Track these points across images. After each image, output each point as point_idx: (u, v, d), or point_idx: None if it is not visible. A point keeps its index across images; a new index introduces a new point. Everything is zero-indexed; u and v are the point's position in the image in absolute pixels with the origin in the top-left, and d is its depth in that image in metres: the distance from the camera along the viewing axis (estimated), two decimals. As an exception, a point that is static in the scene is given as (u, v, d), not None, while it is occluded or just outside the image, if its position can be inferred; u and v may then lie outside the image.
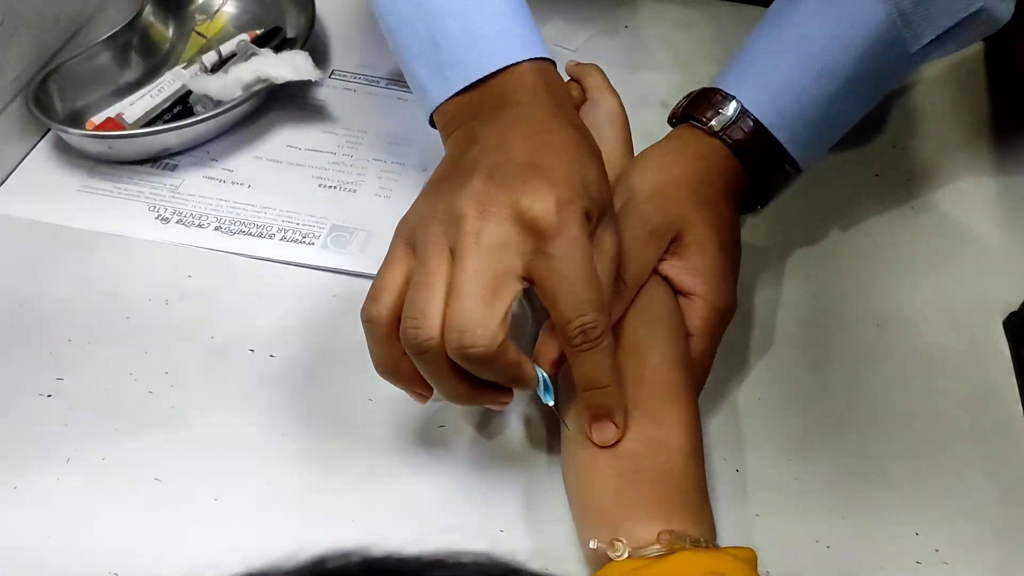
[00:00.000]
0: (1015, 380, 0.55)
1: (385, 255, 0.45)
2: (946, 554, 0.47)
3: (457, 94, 0.48)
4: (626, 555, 0.41)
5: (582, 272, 0.41)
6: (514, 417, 0.52)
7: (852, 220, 0.63)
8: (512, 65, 0.47)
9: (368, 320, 0.44)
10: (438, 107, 0.49)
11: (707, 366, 0.50)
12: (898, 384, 0.54)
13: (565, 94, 0.48)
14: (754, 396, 0.53)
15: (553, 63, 0.49)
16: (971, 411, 0.53)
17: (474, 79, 0.47)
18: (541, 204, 0.41)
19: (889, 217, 0.63)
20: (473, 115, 0.47)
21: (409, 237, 0.44)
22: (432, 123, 0.51)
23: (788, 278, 0.59)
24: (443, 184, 0.44)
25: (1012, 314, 0.57)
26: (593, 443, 0.45)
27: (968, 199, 0.65)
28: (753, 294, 0.57)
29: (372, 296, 0.44)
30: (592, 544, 0.42)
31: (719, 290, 0.50)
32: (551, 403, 0.45)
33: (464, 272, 0.41)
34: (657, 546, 0.40)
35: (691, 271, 0.49)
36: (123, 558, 0.45)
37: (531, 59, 0.47)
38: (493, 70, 0.47)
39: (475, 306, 0.40)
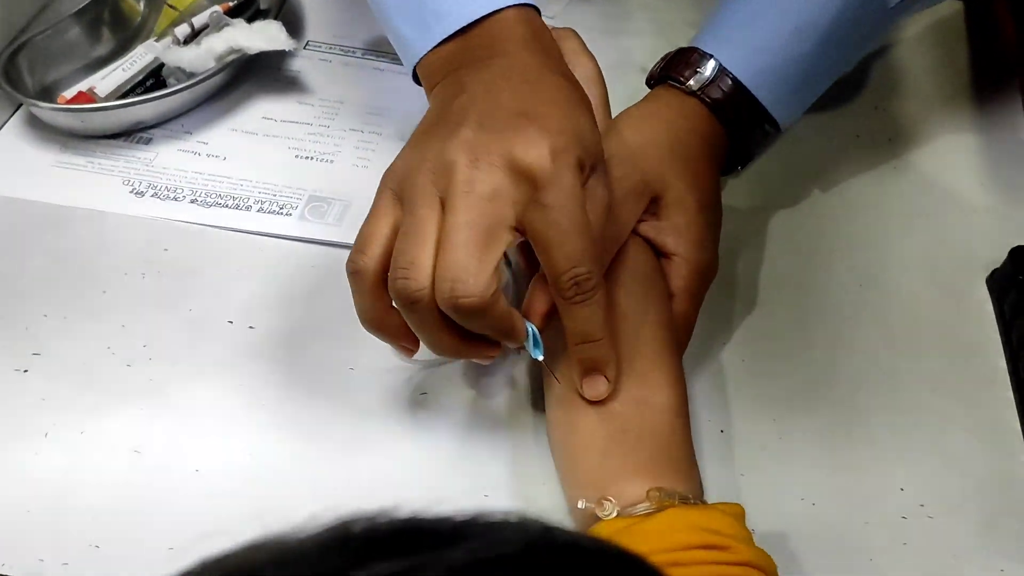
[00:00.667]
0: (998, 336, 0.55)
1: (371, 206, 0.44)
2: (931, 508, 0.47)
3: (441, 44, 0.47)
4: (615, 514, 0.41)
5: (576, 222, 0.41)
6: (498, 382, 0.51)
7: (834, 181, 0.63)
8: (496, 12, 0.46)
9: (354, 272, 0.43)
10: (422, 59, 0.48)
11: (690, 326, 0.49)
12: (882, 342, 0.54)
13: (552, 41, 0.47)
14: (738, 357, 0.53)
15: (537, 9, 0.48)
16: (955, 368, 0.53)
17: (458, 27, 0.46)
18: (536, 152, 0.40)
19: (871, 177, 0.63)
20: (459, 65, 0.46)
21: (396, 187, 0.43)
22: (416, 80, 0.50)
23: (771, 239, 0.59)
24: (431, 133, 0.43)
25: (995, 271, 0.57)
26: (584, 398, 0.44)
27: (950, 158, 0.64)
28: (736, 256, 0.57)
29: (358, 247, 0.43)
30: (580, 504, 0.42)
31: (700, 250, 0.49)
32: (540, 357, 0.44)
33: (456, 222, 0.40)
34: (646, 504, 0.40)
35: (671, 231, 0.49)
36: (104, 530, 0.45)
37: (515, 5, 0.46)
38: (477, 17, 0.46)
39: (467, 256, 0.40)
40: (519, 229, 0.41)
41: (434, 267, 0.40)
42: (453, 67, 0.46)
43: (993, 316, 0.56)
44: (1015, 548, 0.46)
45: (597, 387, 0.44)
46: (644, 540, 0.39)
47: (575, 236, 0.41)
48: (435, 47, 0.47)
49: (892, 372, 0.53)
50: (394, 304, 0.43)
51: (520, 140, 0.41)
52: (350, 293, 0.44)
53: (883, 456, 0.49)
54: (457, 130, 0.42)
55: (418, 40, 0.48)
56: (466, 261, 0.40)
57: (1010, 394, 0.52)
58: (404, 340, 0.45)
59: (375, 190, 0.45)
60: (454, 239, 0.40)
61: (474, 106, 0.43)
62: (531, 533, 0.22)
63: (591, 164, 0.43)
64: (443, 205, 0.41)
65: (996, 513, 0.47)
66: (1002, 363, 0.53)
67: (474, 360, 0.47)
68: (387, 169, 0.44)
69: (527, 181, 0.41)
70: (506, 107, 0.42)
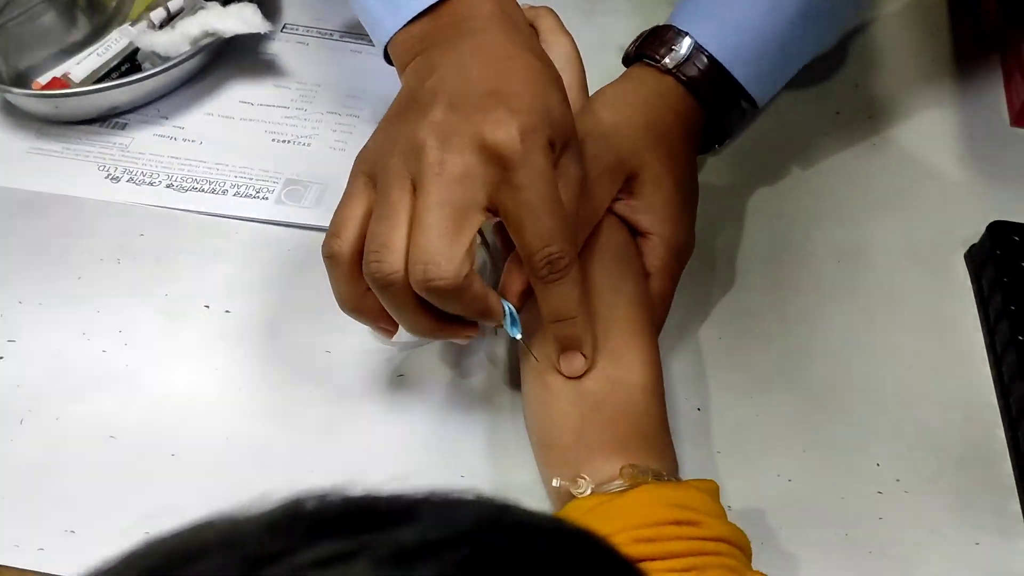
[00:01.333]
0: (976, 311, 0.55)
1: (345, 190, 0.44)
2: (907, 483, 0.47)
3: (411, 22, 0.46)
4: (589, 491, 0.41)
5: (547, 202, 0.41)
6: (476, 363, 0.51)
7: (813, 158, 0.62)
8: None
9: (329, 256, 0.43)
10: (392, 38, 0.47)
11: (666, 305, 0.49)
12: (860, 319, 0.54)
13: (523, 20, 0.47)
14: (715, 335, 0.53)
15: None
16: (933, 343, 0.53)
17: (428, 4, 0.46)
18: (504, 133, 0.40)
19: (851, 154, 0.63)
20: (429, 44, 0.45)
21: (368, 171, 0.43)
22: (388, 60, 0.50)
23: (749, 217, 0.59)
24: (402, 115, 0.43)
25: (973, 247, 0.57)
26: (562, 375, 0.44)
27: (929, 135, 0.64)
28: (714, 233, 0.57)
29: (333, 231, 0.43)
30: (555, 482, 0.42)
31: (676, 228, 0.49)
32: (518, 336, 0.44)
33: (427, 204, 0.40)
34: (619, 481, 0.40)
35: (647, 210, 0.49)
36: (80, 516, 0.45)
37: None
38: None
39: (439, 238, 0.40)
40: (491, 210, 0.41)
41: (407, 249, 0.40)
42: (424, 46, 0.46)
43: (971, 292, 0.56)
44: (990, 521, 0.46)
45: (574, 364, 0.44)
46: (617, 516, 0.39)
47: (547, 215, 0.41)
48: (405, 25, 0.46)
49: (869, 348, 0.53)
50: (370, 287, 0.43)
51: (490, 120, 0.41)
52: (327, 276, 0.44)
53: (859, 432, 0.49)
54: (427, 112, 0.41)
55: (388, 19, 0.47)
56: (438, 243, 0.40)
57: (987, 369, 0.52)
58: (382, 322, 0.45)
59: None
60: (425, 221, 0.40)
61: (444, 87, 0.42)
62: (484, 511, 0.22)
63: (562, 143, 0.43)
64: (415, 187, 0.41)
65: (972, 487, 0.48)
66: (979, 338, 0.53)
67: (452, 340, 0.47)
68: (359, 152, 0.44)
69: (497, 161, 0.40)
70: (476, 87, 0.42)
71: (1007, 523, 0.46)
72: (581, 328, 0.43)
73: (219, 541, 0.20)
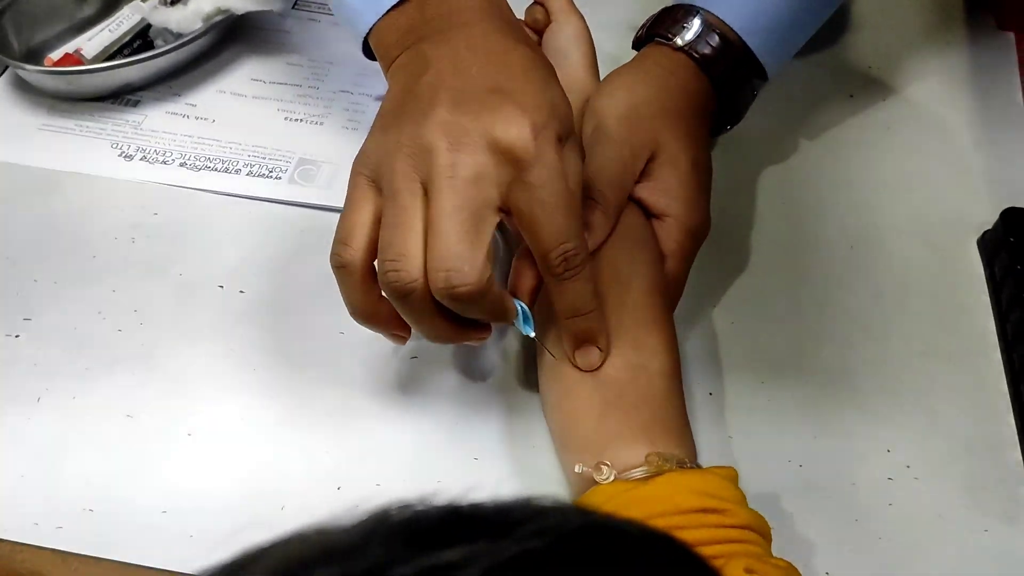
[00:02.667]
0: (988, 298, 0.55)
1: (347, 194, 0.43)
2: (917, 470, 0.48)
3: (392, 10, 0.45)
4: (612, 478, 0.41)
5: (562, 200, 0.40)
6: (489, 344, 0.52)
7: (827, 142, 0.62)
8: None
9: (340, 266, 0.42)
10: (373, 29, 0.46)
11: (681, 287, 0.49)
12: (872, 305, 0.54)
13: (510, 11, 0.46)
14: (728, 320, 0.53)
15: None
16: (945, 330, 0.53)
17: None
18: (517, 131, 0.40)
19: (864, 138, 0.63)
20: (418, 38, 0.44)
21: (371, 174, 0.42)
22: (367, 53, 0.49)
23: (762, 200, 0.59)
24: (402, 114, 0.42)
25: (986, 233, 0.57)
26: (578, 368, 0.44)
27: (943, 119, 0.64)
28: (727, 218, 0.57)
29: (341, 240, 0.42)
30: (577, 468, 0.42)
31: (693, 210, 0.49)
32: (532, 334, 0.44)
33: (443, 209, 0.39)
34: (643, 468, 0.41)
35: (664, 192, 0.49)
36: (97, 494, 0.45)
37: None
38: None
39: (458, 244, 0.39)
40: (503, 209, 0.41)
41: (425, 257, 0.40)
42: (411, 40, 0.45)
43: (983, 278, 0.56)
44: (1000, 509, 0.47)
45: (590, 357, 0.44)
46: (643, 504, 0.39)
47: (562, 213, 0.40)
48: (386, 14, 0.45)
49: (882, 334, 0.53)
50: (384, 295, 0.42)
51: (500, 119, 0.40)
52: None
53: (870, 418, 0.50)
54: (430, 111, 0.40)
55: (369, 9, 0.46)
56: (458, 249, 0.39)
57: (999, 356, 0.52)
58: (396, 329, 0.44)
59: None
60: (443, 227, 0.39)
61: (443, 84, 0.41)
62: (572, 518, 0.22)
63: (566, 135, 0.42)
64: (425, 191, 0.40)
65: (982, 474, 0.48)
66: (991, 325, 0.54)
67: (467, 344, 0.47)
68: (358, 153, 0.43)
69: (510, 160, 0.40)
70: (478, 84, 0.41)
71: (1016, 510, 0.47)
72: (596, 321, 0.43)
73: (319, 555, 0.20)
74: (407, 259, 0.40)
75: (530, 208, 0.40)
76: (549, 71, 0.44)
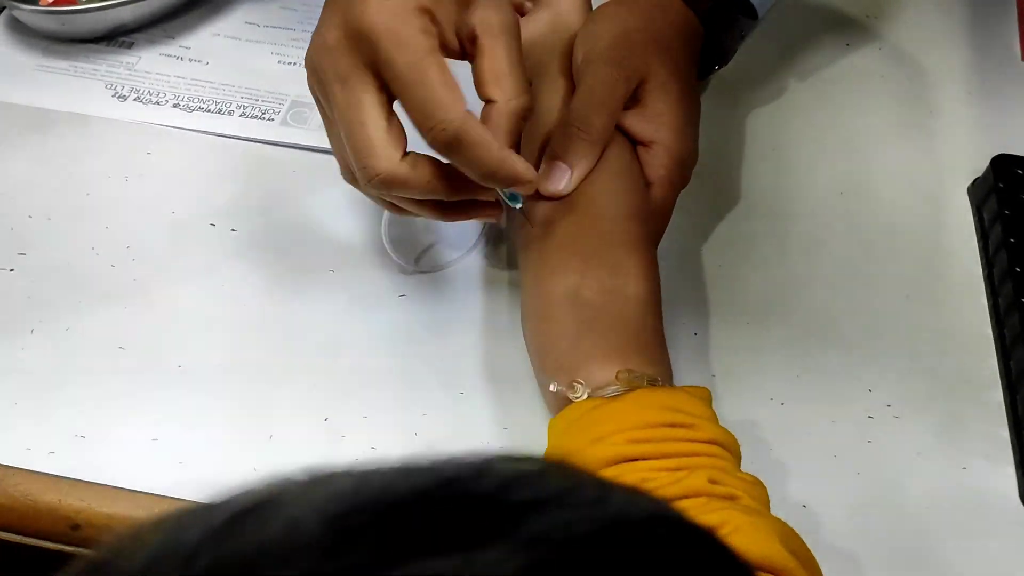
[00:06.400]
0: (976, 244, 0.55)
1: (341, 103, 0.42)
2: (898, 409, 0.48)
3: None
4: (585, 396, 0.41)
5: (418, 77, 0.40)
6: (472, 281, 0.52)
7: (821, 89, 0.62)
8: None
9: (376, 176, 0.42)
10: None
11: (667, 215, 0.49)
12: (859, 249, 0.55)
13: None
14: (715, 263, 0.54)
15: None
16: (931, 273, 0.54)
17: None
18: (367, 16, 0.40)
19: (859, 86, 0.63)
20: None
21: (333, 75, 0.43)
22: None
23: (753, 145, 0.59)
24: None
25: (976, 179, 0.57)
26: (545, 197, 0.46)
27: (939, 68, 0.64)
28: (716, 161, 0.57)
29: (366, 153, 0.41)
30: (552, 387, 0.43)
31: (680, 137, 0.49)
32: (519, 207, 0.45)
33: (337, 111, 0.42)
34: (615, 385, 0.41)
35: (652, 118, 0.48)
36: (89, 421, 0.46)
37: None
38: None
39: (440, 91, 0.40)
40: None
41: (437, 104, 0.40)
42: None
43: (972, 224, 0.56)
44: (979, 447, 0.47)
45: (558, 182, 0.46)
46: (611, 419, 0.40)
47: (426, 91, 0.40)
48: None
49: (868, 278, 0.53)
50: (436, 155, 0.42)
51: (354, 4, 0.41)
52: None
53: (854, 359, 0.50)
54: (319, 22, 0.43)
55: None
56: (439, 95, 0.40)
57: (984, 300, 0.53)
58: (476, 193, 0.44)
59: None
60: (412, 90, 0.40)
61: None
62: (587, 516, 0.20)
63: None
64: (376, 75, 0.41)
65: (962, 413, 0.48)
66: (978, 270, 0.54)
67: (482, 219, 0.49)
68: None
69: (367, 43, 0.41)
70: None
71: (995, 448, 0.47)
72: (519, 164, 0.42)
73: (287, 553, 0.18)
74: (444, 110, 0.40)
75: (395, 88, 0.41)
76: None
